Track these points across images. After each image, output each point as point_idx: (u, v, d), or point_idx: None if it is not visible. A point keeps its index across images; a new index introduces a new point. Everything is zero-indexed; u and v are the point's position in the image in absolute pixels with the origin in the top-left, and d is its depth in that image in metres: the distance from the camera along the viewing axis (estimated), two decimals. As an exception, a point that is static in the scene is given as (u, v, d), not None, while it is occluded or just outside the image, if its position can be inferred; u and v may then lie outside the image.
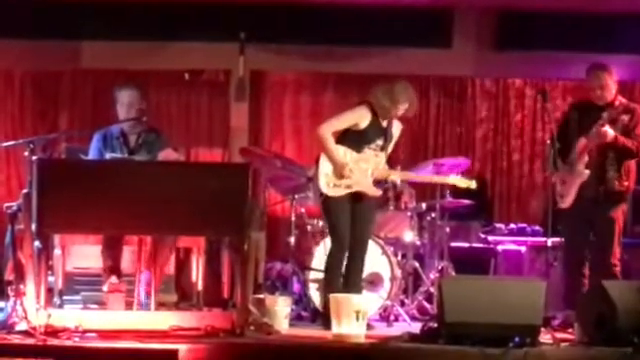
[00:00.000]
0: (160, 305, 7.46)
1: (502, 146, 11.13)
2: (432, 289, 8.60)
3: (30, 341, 6.36)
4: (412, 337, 6.87)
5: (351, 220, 7.61)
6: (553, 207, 7.70)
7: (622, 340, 6.57)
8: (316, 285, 8.16)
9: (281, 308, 7.42)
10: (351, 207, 7.62)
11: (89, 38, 9.76)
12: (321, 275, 7.91)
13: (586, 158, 7.67)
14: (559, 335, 7.04)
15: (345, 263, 7.62)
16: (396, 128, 7.81)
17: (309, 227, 8.70)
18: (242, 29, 9.66)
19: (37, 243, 6.72)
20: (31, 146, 6.91)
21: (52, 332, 6.51)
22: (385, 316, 8.21)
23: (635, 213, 8.82)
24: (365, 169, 7.63)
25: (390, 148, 7.83)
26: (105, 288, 7.47)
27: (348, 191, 7.59)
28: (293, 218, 8.58)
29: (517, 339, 6.49)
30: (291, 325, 7.56)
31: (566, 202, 7.76)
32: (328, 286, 7.54)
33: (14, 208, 6.94)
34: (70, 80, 10.69)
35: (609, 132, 7.57)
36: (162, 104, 10.74)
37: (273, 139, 10.95)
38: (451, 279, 8.04)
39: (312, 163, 7.88)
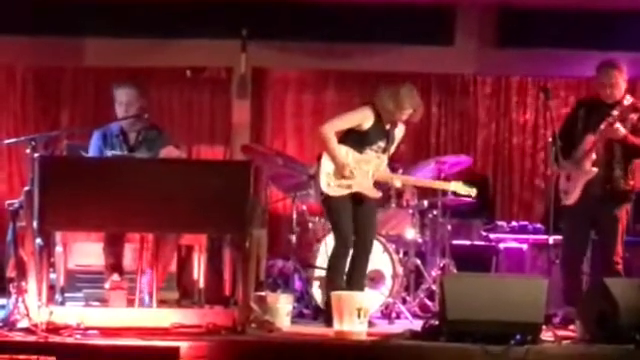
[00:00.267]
0: (162, 302, 7.46)
1: (504, 144, 11.13)
2: (434, 287, 8.60)
3: (32, 338, 6.36)
4: (414, 334, 6.86)
5: (354, 220, 7.60)
6: (555, 205, 7.69)
7: (624, 337, 6.58)
8: (318, 282, 8.16)
9: (283, 305, 7.42)
10: (353, 207, 7.62)
11: (91, 35, 9.76)
12: (323, 272, 7.91)
13: (594, 156, 7.65)
14: (560, 333, 7.03)
15: (348, 261, 7.63)
16: (399, 130, 7.79)
17: (310, 225, 8.70)
18: (244, 26, 9.65)
19: (39, 240, 6.72)
20: (33, 143, 6.91)
21: (54, 329, 6.52)
22: (387, 313, 8.21)
23: (637, 211, 8.81)
24: (366, 170, 7.63)
25: (392, 150, 7.82)
26: (107, 286, 7.47)
27: (348, 191, 7.58)
28: (294, 216, 8.58)
29: (518, 337, 6.49)
30: (293, 323, 7.56)
31: (570, 199, 7.75)
32: (330, 284, 7.54)
33: (16, 205, 6.94)
34: (72, 77, 10.70)
35: (621, 129, 7.55)
36: (164, 101, 10.76)
37: (275, 136, 10.95)
38: (453, 277, 8.04)
39: (314, 161, 7.88)
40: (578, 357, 6.52)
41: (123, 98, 7.73)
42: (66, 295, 7.74)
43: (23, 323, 6.60)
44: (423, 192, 9.11)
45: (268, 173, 9.00)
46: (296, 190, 8.64)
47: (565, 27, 9.66)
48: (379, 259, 8.20)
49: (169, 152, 7.68)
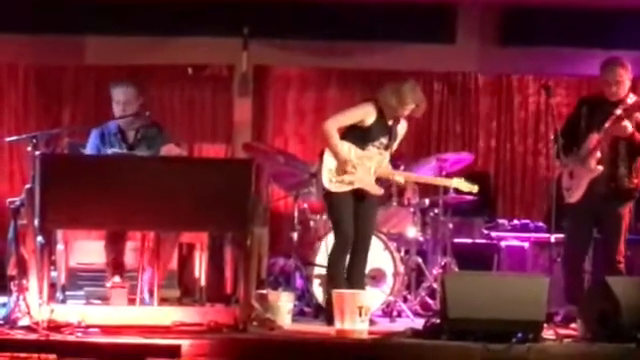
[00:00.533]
0: (163, 301, 7.46)
1: (505, 142, 11.12)
2: (435, 285, 8.60)
3: (33, 336, 6.35)
4: (415, 333, 6.86)
5: (355, 217, 7.60)
6: (557, 203, 7.68)
7: (625, 336, 6.58)
8: (319, 281, 8.16)
9: (284, 304, 7.42)
10: (354, 204, 7.62)
11: (93, 33, 9.75)
12: (324, 271, 7.91)
13: (598, 154, 7.64)
14: (562, 331, 7.03)
15: (348, 259, 7.62)
16: (401, 127, 7.80)
17: (312, 223, 8.70)
18: (245, 24, 9.64)
19: (40, 238, 6.72)
20: (34, 141, 6.91)
21: (55, 327, 6.51)
22: (388, 312, 8.21)
23: (639, 210, 8.81)
24: (368, 167, 7.63)
25: (394, 147, 7.82)
26: (108, 284, 7.48)
27: (350, 187, 7.58)
28: (296, 214, 8.58)
29: (520, 335, 6.49)
30: (294, 321, 7.56)
31: (574, 197, 7.74)
32: (331, 282, 7.54)
33: (17, 203, 6.94)
34: (73, 75, 10.70)
35: (629, 127, 7.54)
36: (165, 99, 10.76)
37: (276, 135, 10.95)
38: (454, 275, 8.04)
39: (315, 159, 7.88)
40: (579, 356, 6.52)
41: (121, 97, 7.72)
42: (67, 293, 7.75)
43: (24, 321, 6.60)
44: (424, 190, 9.11)
45: (269, 171, 9.00)
46: (297, 188, 8.63)
47: (567, 25, 9.65)
48: (380, 257, 8.20)
49: (170, 150, 7.69)
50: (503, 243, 9.61)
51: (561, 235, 7.88)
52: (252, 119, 10.08)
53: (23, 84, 10.66)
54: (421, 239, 8.90)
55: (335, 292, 7.03)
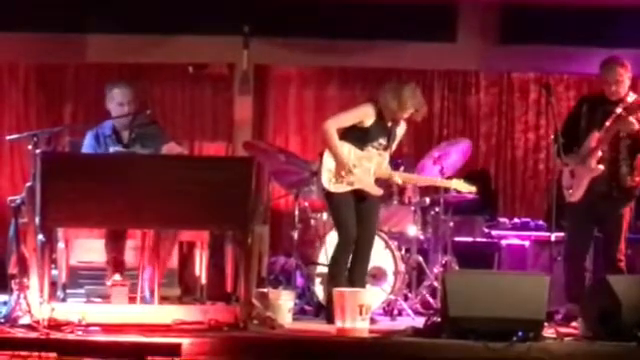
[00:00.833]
0: (163, 299, 7.46)
1: (506, 140, 11.12)
2: (436, 283, 8.59)
3: (33, 335, 6.35)
4: (416, 331, 6.86)
5: (356, 216, 7.60)
6: (557, 202, 7.68)
7: (626, 335, 6.57)
8: (319, 279, 8.16)
9: (284, 302, 7.43)
10: (355, 203, 7.62)
11: (93, 32, 9.75)
12: (325, 269, 7.91)
13: (599, 153, 7.64)
14: (563, 330, 7.03)
15: (350, 258, 7.63)
16: (401, 129, 7.80)
17: (313, 221, 8.70)
18: (246, 23, 9.64)
19: (40, 237, 6.72)
20: (35, 139, 6.91)
21: (55, 326, 6.51)
22: (389, 310, 8.22)
23: (639, 209, 8.81)
24: (368, 168, 7.63)
25: (394, 147, 7.83)
26: (109, 282, 7.47)
27: (350, 188, 7.58)
28: (297, 212, 8.57)
29: (521, 333, 6.48)
30: (294, 319, 7.57)
31: (575, 196, 7.74)
32: (332, 281, 7.54)
33: (18, 201, 6.94)
34: (74, 74, 10.70)
35: (635, 123, 7.54)
36: (166, 98, 10.77)
37: (277, 133, 10.95)
38: (455, 273, 8.04)
39: (316, 157, 7.88)
40: (580, 354, 6.52)
41: (121, 98, 7.71)
42: (68, 291, 7.74)
43: (25, 319, 6.59)
44: (425, 189, 9.11)
45: (270, 169, 9.01)
46: (298, 187, 8.64)
47: (567, 24, 9.65)
48: (381, 256, 8.20)
49: (171, 148, 7.70)
50: (504, 242, 9.61)
51: (562, 234, 7.88)
52: (253, 117, 10.09)
53: (24, 82, 10.67)
54: (422, 237, 8.90)
55: (336, 290, 7.03)
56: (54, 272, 7.43)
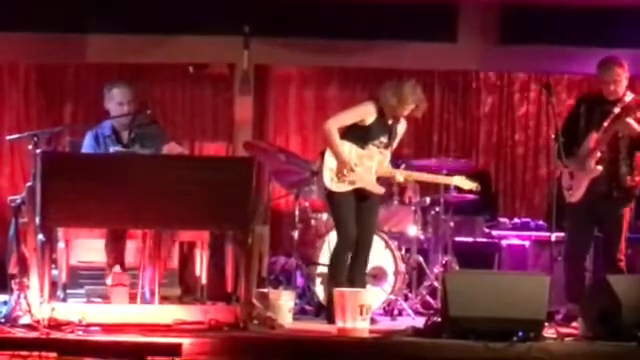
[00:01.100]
0: (164, 299, 7.45)
1: (506, 140, 11.12)
2: (436, 283, 8.60)
3: (33, 334, 6.35)
4: (416, 331, 6.86)
5: (356, 216, 7.61)
6: (558, 202, 7.68)
7: (626, 335, 6.58)
8: (320, 279, 8.16)
9: (285, 302, 7.43)
10: (356, 203, 7.62)
11: (94, 32, 9.75)
12: (325, 269, 7.91)
13: (598, 154, 7.64)
14: (563, 330, 7.03)
15: (350, 258, 7.62)
16: (401, 126, 7.81)
17: (313, 221, 8.70)
18: (246, 23, 9.64)
19: (41, 236, 6.72)
20: (35, 139, 6.91)
21: (55, 325, 6.51)
22: (389, 310, 8.22)
23: (639, 208, 8.81)
24: (369, 166, 7.63)
25: (394, 145, 7.83)
26: (109, 281, 7.47)
27: (352, 187, 7.59)
28: (297, 212, 8.58)
29: (521, 333, 6.48)
30: (295, 319, 7.57)
31: (575, 196, 7.74)
32: (332, 280, 7.54)
33: (18, 201, 6.94)
34: (75, 74, 10.70)
35: (635, 125, 7.54)
36: (166, 98, 10.77)
37: (277, 133, 10.95)
38: (455, 273, 8.04)
39: (316, 157, 7.89)
40: (580, 354, 6.52)
41: (121, 97, 7.72)
42: (68, 291, 7.73)
43: (25, 319, 6.60)
44: (425, 189, 9.11)
45: (270, 169, 9.00)
46: (299, 186, 8.64)
47: (567, 24, 9.65)
48: (381, 256, 8.20)
49: (172, 148, 7.70)
50: (504, 242, 9.61)
51: (562, 234, 7.88)
52: (253, 117, 10.09)
53: (24, 82, 10.66)
54: (422, 237, 8.90)
55: (336, 290, 7.04)
56: (54, 272, 7.43)
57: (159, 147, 7.67)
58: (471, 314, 6.59)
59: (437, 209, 8.97)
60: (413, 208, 8.78)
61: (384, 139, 7.67)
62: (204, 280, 7.81)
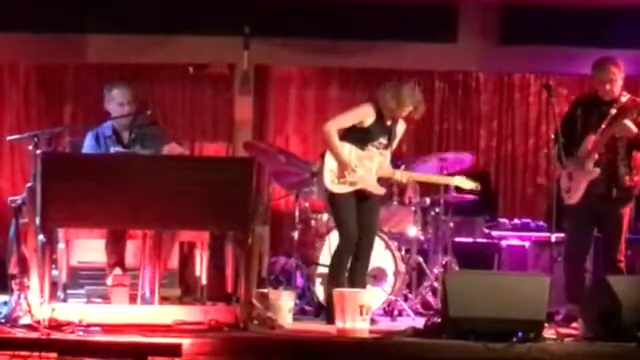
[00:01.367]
0: (164, 299, 7.45)
1: (507, 141, 11.13)
2: (436, 284, 8.59)
3: (34, 335, 6.35)
4: (416, 332, 6.86)
5: (357, 217, 7.61)
6: (558, 202, 7.69)
7: (626, 335, 6.57)
8: (320, 280, 8.16)
9: (285, 302, 7.43)
10: (356, 204, 7.62)
11: (94, 32, 9.75)
12: (325, 270, 7.91)
13: (596, 156, 7.64)
14: (563, 330, 7.03)
15: (351, 258, 7.63)
16: (400, 127, 7.81)
17: (313, 222, 8.70)
18: (246, 23, 9.65)
19: (41, 237, 6.72)
20: (35, 140, 6.91)
21: (56, 326, 6.51)
22: (389, 311, 8.22)
23: (639, 209, 8.81)
24: (369, 167, 7.64)
25: (394, 146, 7.84)
26: (109, 282, 7.47)
27: (352, 188, 7.59)
28: (297, 212, 8.58)
29: (521, 334, 6.48)
30: (295, 319, 7.57)
31: (573, 198, 7.74)
32: (333, 281, 7.54)
33: (18, 202, 6.94)
34: (75, 74, 10.70)
35: (632, 127, 7.54)
36: (166, 98, 10.78)
37: (277, 133, 10.96)
38: (455, 274, 8.04)
39: (316, 158, 7.89)
40: (580, 355, 6.52)
41: (122, 98, 7.72)
42: (68, 292, 7.73)
43: (25, 320, 6.60)
44: (425, 189, 9.11)
45: (270, 170, 9.01)
46: (298, 187, 8.64)
47: (568, 24, 9.66)
48: (381, 256, 8.20)
49: (172, 149, 7.70)
50: (504, 242, 9.62)
51: (562, 234, 7.88)
52: (253, 118, 10.10)
53: (24, 83, 10.67)
54: (422, 238, 8.90)
55: (336, 291, 7.04)
56: (54, 272, 7.42)
57: (159, 148, 7.67)
58: (471, 314, 6.59)
59: (437, 210, 8.96)
60: (413, 209, 8.78)
61: (384, 140, 7.67)
62: (204, 280, 7.81)
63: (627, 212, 7.74)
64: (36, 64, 10.54)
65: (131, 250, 7.85)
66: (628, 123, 7.53)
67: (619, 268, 7.64)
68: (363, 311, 6.79)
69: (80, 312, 6.70)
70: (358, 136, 7.61)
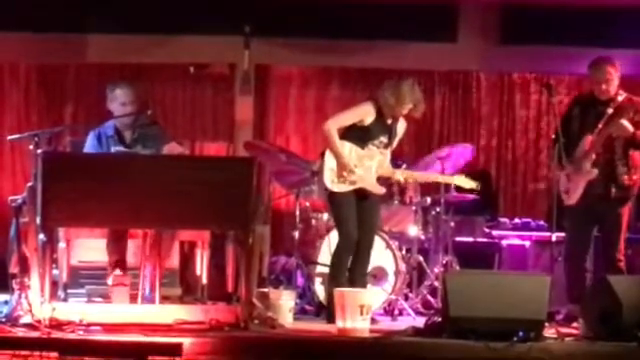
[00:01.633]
0: (164, 299, 7.45)
1: (507, 140, 11.13)
2: (436, 283, 8.59)
3: (34, 334, 6.36)
4: (416, 331, 6.86)
5: (357, 216, 7.61)
6: (558, 202, 7.69)
7: (626, 335, 6.58)
8: (320, 279, 8.16)
9: (285, 302, 7.43)
10: (356, 203, 7.62)
11: (94, 32, 9.76)
12: (325, 269, 7.91)
13: (593, 156, 7.64)
14: (563, 330, 7.04)
15: (351, 258, 7.63)
16: (401, 126, 7.82)
17: (313, 221, 8.70)
18: (247, 23, 9.65)
19: (42, 236, 6.72)
20: (36, 139, 6.91)
21: (56, 325, 6.51)
22: (389, 310, 8.22)
23: (639, 209, 8.81)
24: (369, 166, 7.64)
25: (394, 145, 7.84)
26: (110, 281, 7.47)
27: (352, 187, 7.59)
28: (297, 212, 8.58)
29: (521, 334, 6.49)
30: (295, 319, 7.57)
31: (572, 199, 7.74)
32: (333, 280, 7.54)
33: (19, 201, 6.95)
34: (75, 74, 10.71)
35: (629, 127, 7.54)
36: (167, 98, 10.78)
37: (278, 133, 10.96)
38: (455, 273, 8.05)
39: (317, 157, 7.89)
40: (581, 354, 6.52)
41: (123, 97, 7.72)
42: (69, 291, 7.73)
43: (26, 319, 6.60)
44: (426, 189, 9.11)
45: (271, 169, 9.01)
46: (299, 186, 8.64)
47: (568, 24, 9.66)
48: (382, 256, 8.20)
49: (172, 148, 7.71)
50: (504, 242, 9.62)
51: (562, 234, 7.89)
52: (253, 117, 10.10)
53: (25, 82, 10.67)
54: (422, 237, 8.90)
55: (336, 290, 7.04)
56: (55, 272, 7.43)
57: (160, 147, 7.68)
58: (471, 314, 6.59)
59: (438, 209, 8.96)
60: (414, 208, 8.78)
61: (384, 139, 7.67)
62: (205, 280, 7.81)
63: (626, 211, 7.75)
64: (37, 64, 10.55)
65: (131, 249, 7.85)
66: (625, 122, 7.54)
67: (619, 267, 7.64)
68: (363, 310, 6.79)
69: (81, 311, 6.70)
70: (358, 135, 7.61)
